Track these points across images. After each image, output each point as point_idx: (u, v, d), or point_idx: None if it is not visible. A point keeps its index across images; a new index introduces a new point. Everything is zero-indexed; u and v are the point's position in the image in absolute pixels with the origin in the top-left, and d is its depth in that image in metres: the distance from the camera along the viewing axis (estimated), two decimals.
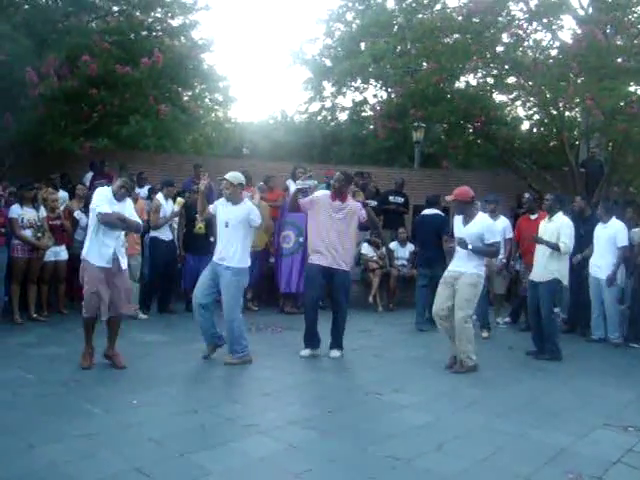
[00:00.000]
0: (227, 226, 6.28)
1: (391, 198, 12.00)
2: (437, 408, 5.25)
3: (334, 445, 4.30)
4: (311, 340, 6.89)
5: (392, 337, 8.32)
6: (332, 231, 6.67)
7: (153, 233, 8.96)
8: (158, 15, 13.88)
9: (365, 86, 23.34)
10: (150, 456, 3.93)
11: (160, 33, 13.73)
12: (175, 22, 13.96)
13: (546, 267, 7.36)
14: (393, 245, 11.16)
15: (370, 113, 21.30)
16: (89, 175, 11.12)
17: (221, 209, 6.39)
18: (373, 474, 3.83)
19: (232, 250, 6.24)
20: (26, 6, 12.29)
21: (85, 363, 5.87)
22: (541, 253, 7.45)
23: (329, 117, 24.47)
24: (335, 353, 6.90)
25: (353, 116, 23.26)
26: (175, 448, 4.06)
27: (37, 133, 10.97)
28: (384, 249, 10.96)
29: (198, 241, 9.01)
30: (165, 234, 9.02)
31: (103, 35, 11.96)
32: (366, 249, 10.80)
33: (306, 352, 6.85)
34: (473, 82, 15.49)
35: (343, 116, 24.21)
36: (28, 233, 8.01)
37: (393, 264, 10.93)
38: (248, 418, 4.77)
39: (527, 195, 9.75)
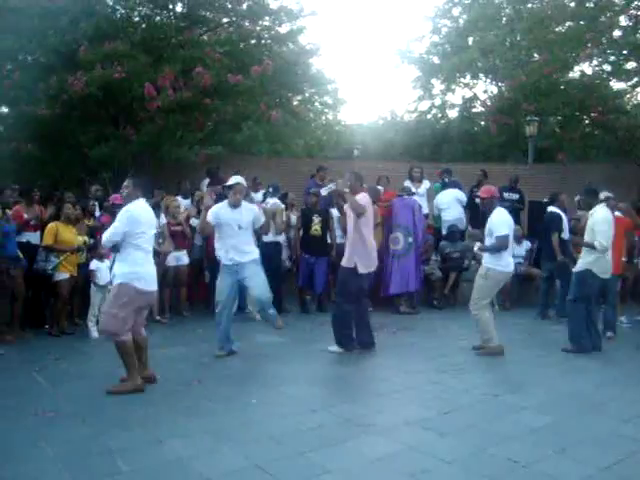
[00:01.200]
0: (240, 228, 6.61)
1: (506, 195, 11.70)
2: (558, 410, 5.07)
3: (451, 446, 4.25)
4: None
5: (509, 337, 8.09)
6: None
7: (271, 238, 9.18)
8: (266, 23, 14.16)
9: (475, 82, 22.88)
10: (270, 454, 4.02)
11: (269, 41, 14.01)
12: (283, 29, 14.20)
13: None
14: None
15: (481, 109, 20.91)
16: (206, 181, 11.48)
17: (225, 213, 6.65)
18: (492, 476, 3.75)
19: (249, 248, 6.70)
20: (143, 25, 12.86)
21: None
22: None
23: (439, 115, 24.12)
24: (331, 347, 7.03)
25: (463, 113, 22.84)
26: (294, 446, 4.14)
27: (156, 144, 11.45)
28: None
29: (313, 242, 9.43)
30: (269, 236, 9.22)
31: (214, 46, 12.30)
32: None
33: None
34: (588, 71, 14.85)
35: (453, 113, 23.82)
36: None
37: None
38: (365, 418, 4.78)
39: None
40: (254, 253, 6.74)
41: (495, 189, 7.32)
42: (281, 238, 9.55)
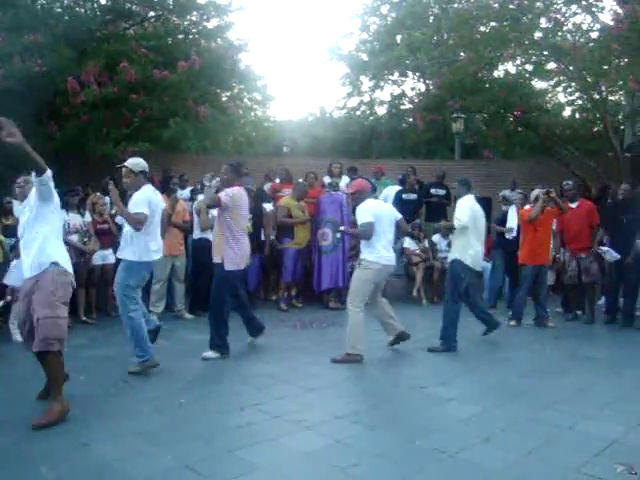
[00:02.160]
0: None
1: (432, 190, 11.96)
2: (483, 401, 5.20)
3: (380, 439, 4.31)
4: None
5: (436, 330, 8.23)
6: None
7: (200, 234, 9.02)
8: (194, 18, 13.98)
9: (403, 79, 23.28)
10: (199, 453, 3.98)
11: (196, 36, 13.84)
12: (211, 24, 14.05)
13: None
14: (435, 238, 11.09)
15: (409, 106, 21.22)
16: None
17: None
18: (420, 467, 3.82)
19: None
20: (66, 17, 12.52)
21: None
22: None
23: (368, 112, 24.42)
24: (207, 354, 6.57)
25: (392, 110, 23.18)
26: (223, 445, 4.11)
27: (80, 140, 11.19)
28: (426, 242, 10.90)
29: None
30: (197, 232, 9.13)
31: (140, 41, 12.11)
32: (408, 242, 10.76)
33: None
34: (512, 70, 15.28)
35: (382, 110, 24.18)
36: (74, 238, 8.19)
37: (436, 257, 10.87)
38: (295, 414, 4.80)
39: (570, 183, 9.59)
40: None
41: (366, 183, 7.14)
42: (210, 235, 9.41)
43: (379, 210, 6.67)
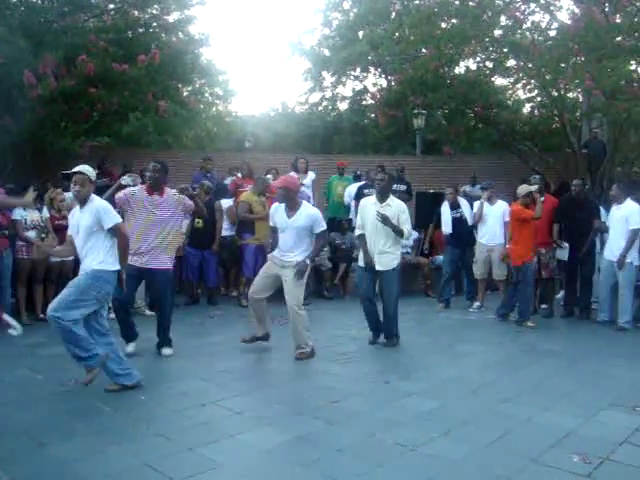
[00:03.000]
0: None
1: (394, 186, 11.95)
2: (444, 394, 5.27)
3: (341, 434, 4.32)
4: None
5: (399, 325, 8.32)
6: (152, 229, 6.23)
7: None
8: (154, 12, 13.81)
9: (365, 75, 23.33)
10: (159, 451, 3.96)
11: (157, 29, 13.67)
12: (171, 18, 13.87)
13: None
14: None
15: (370, 102, 21.29)
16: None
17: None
18: (381, 461, 3.84)
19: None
20: (22, 8, 12.25)
21: None
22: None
23: (330, 107, 24.44)
24: (166, 351, 6.51)
25: (354, 105, 23.24)
26: (183, 442, 4.09)
27: (38, 134, 10.98)
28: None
29: (197, 235, 9.47)
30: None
31: (99, 34, 11.91)
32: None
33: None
34: (472, 67, 15.42)
35: (344, 106, 24.21)
36: (32, 234, 8.04)
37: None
38: (255, 410, 4.80)
39: (537, 177, 9.68)
40: None
41: (293, 180, 6.86)
42: None
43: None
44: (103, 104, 11.90)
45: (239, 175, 11.20)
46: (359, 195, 11.08)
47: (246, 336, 6.76)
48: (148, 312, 8.76)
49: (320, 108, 24.41)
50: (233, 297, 9.99)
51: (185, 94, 15.12)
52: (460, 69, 15.57)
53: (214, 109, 23.06)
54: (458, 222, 9.89)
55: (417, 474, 3.70)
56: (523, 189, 8.56)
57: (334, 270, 10.65)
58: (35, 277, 8.17)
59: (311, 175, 11.33)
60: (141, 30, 13.40)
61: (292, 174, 10.89)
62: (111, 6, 13.52)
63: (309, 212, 6.47)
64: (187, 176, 11.51)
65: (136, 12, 13.48)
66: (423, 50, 14.92)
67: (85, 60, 10.93)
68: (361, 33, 22.20)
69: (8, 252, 7.82)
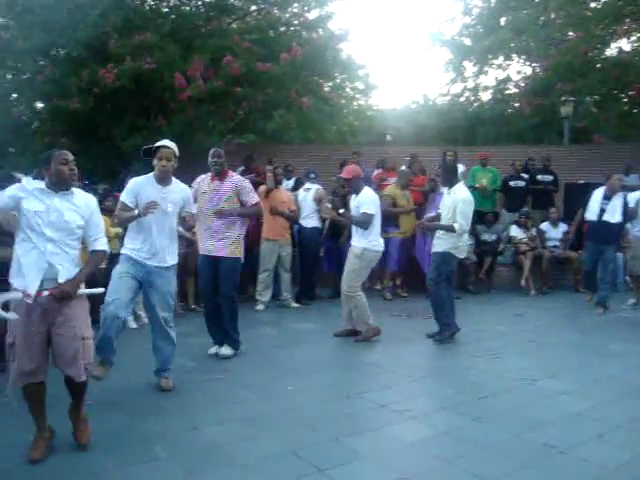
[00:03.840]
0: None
1: (539, 177, 11.49)
2: (596, 395, 4.96)
3: (487, 431, 4.19)
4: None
5: (546, 321, 7.98)
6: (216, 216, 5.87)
7: (308, 224, 9.16)
8: (295, 10, 14.11)
9: (508, 63, 22.55)
10: (305, 439, 4.01)
11: (297, 27, 13.95)
12: (311, 15, 14.13)
13: None
14: (544, 226, 10.70)
15: (514, 90, 20.60)
16: (240, 169, 11.48)
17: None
18: (529, 462, 3.68)
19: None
20: (172, 16, 12.90)
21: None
22: None
23: (472, 98, 23.84)
24: (225, 351, 6.08)
25: (497, 95, 22.52)
26: (328, 432, 4.12)
27: (187, 133, 11.49)
28: (534, 230, 10.53)
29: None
30: (311, 221, 9.18)
31: (243, 35, 12.32)
32: (515, 231, 10.43)
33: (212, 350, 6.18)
34: (626, 47, 14.50)
35: (486, 96, 23.49)
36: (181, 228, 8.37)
37: (545, 245, 10.48)
38: (400, 404, 4.74)
39: None
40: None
41: (359, 169, 7.14)
42: (319, 223, 9.40)
43: (377, 201, 6.91)
44: (248, 102, 12.29)
45: (380, 170, 11.13)
46: (506, 187, 10.78)
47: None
48: (294, 304, 8.91)
49: (462, 99, 23.87)
50: (377, 290, 9.93)
51: (327, 90, 15.30)
52: (612, 51, 14.69)
53: (355, 103, 23.18)
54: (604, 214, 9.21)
55: (567, 477, 3.52)
56: None
57: (479, 264, 10.37)
58: (187, 270, 8.50)
59: (460, 168, 11.09)
60: (282, 29, 13.73)
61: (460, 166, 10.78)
62: (253, 7, 13.95)
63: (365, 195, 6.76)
64: (332, 171, 11.61)
65: (277, 11, 13.84)
66: (570, 33, 14.23)
67: (230, 61, 11.33)
68: (503, 19, 21.49)
69: None
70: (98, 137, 12.12)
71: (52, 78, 11.40)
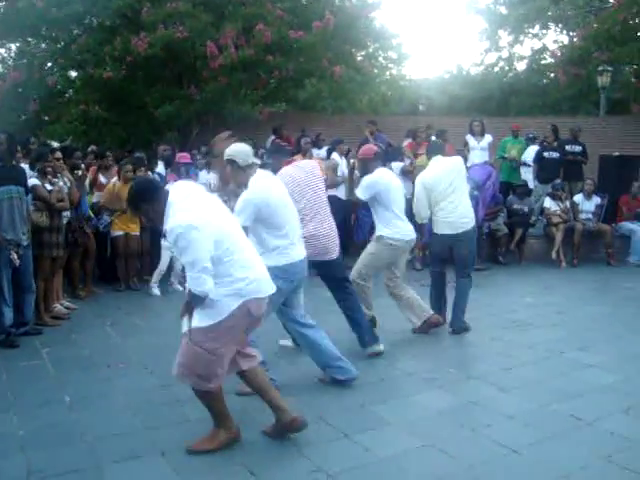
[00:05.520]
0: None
1: (568, 147, 11.28)
2: (626, 369, 4.93)
3: (514, 401, 4.22)
4: None
5: (577, 294, 7.90)
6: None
7: (331, 192, 9.02)
8: None
9: (544, 32, 22.15)
10: (332, 406, 4.08)
11: None
12: None
13: None
14: (578, 198, 10.54)
15: (550, 60, 20.23)
16: (271, 138, 11.48)
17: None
18: (555, 432, 3.71)
19: None
20: None
21: None
22: None
23: (506, 68, 23.50)
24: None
25: (532, 65, 22.15)
26: (356, 399, 4.18)
27: (219, 102, 11.52)
28: (567, 202, 10.39)
29: None
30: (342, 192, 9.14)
31: (275, 3, 12.22)
32: (549, 202, 10.31)
33: None
34: None
35: (521, 66, 23.17)
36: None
37: (577, 218, 10.34)
38: (427, 373, 4.79)
39: None
40: None
41: (371, 149, 5.93)
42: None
43: (387, 181, 5.73)
44: (280, 71, 12.24)
45: (411, 140, 11.01)
46: (540, 158, 10.63)
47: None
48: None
49: (496, 69, 23.55)
50: (407, 261, 9.88)
51: (359, 59, 15.18)
52: None
53: (388, 73, 22.97)
54: None
55: (593, 449, 3.52)
56: None
57: (510, 235, 10.28)
58: None
59: (487, 138, 10.96)
60: None
61: (468, 137, 10.66)
62: None
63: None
64: (356, 140, 11.56)
65: None
66: (610, 0, 13.87)
67: (262, 29, 11.29)
68: None
69: None
70: (131, 105, 12.21)
71: (86, 47, 11.47)
